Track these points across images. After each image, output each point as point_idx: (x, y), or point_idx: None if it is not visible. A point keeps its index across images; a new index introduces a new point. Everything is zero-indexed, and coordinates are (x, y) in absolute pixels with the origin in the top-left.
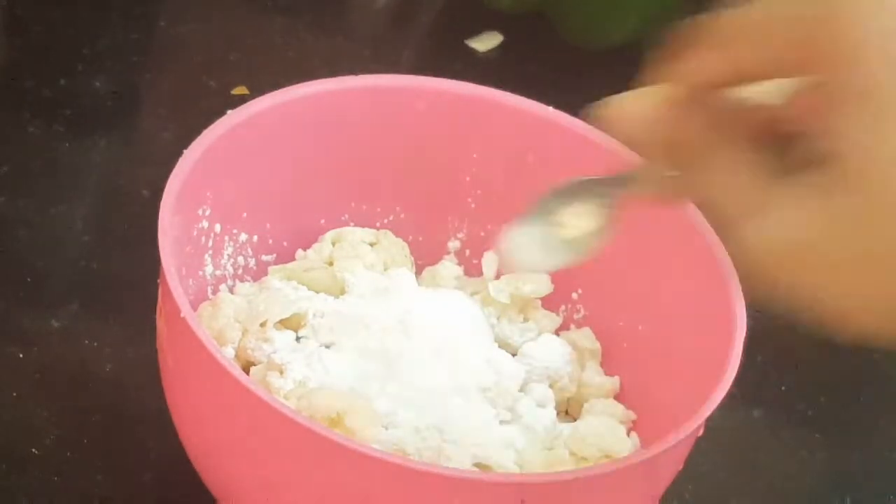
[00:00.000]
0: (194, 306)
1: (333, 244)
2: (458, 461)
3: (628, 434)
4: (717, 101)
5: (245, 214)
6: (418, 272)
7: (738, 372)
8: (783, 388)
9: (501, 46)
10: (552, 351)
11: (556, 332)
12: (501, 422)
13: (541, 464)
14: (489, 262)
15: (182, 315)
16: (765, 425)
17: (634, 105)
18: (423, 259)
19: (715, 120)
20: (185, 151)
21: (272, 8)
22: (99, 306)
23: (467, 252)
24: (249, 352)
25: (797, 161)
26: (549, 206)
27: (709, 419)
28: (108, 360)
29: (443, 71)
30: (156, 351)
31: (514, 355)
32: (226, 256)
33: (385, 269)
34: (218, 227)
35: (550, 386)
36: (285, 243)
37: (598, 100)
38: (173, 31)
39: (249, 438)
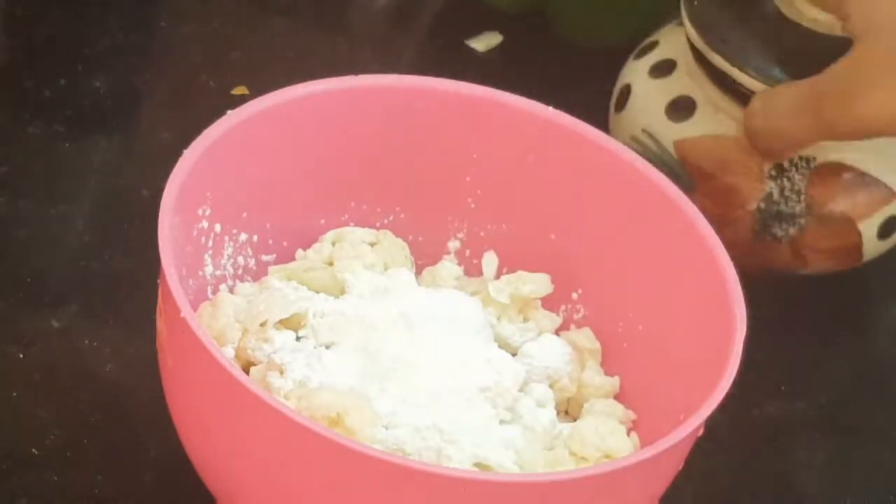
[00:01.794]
0: (194, 306)
1: (333, 244)
2: (458, 461)
3: (628, 434)
4: None
5: (245, 214)
6: (418, 272)
7: (737, 372)
8: (783, 387)
9: (501, 46)
10: (552, 351)
11: (556, 332)
12: (501, 422)
13: (541, 464)
14: (489, 262)
15: (182, 315)
16: (765, 425)
17: None
18: (423, 259)
19: None
20: (185, 151)
21: (272, 8)
22: (99, 306)
23: (467, 252)
24: (249, 352)
25: None
26: None
27: (709, 419)
28: (108, 360)
29: (443, 71)
30: (156, 351)
31: (514, 355)
32: (226, 256)
33: (385, 269)
34: (218, 227)
35: (550, 386)
36: (285, 243)
37: (597, 100)
38: (173, 31)
39: (249, 438)
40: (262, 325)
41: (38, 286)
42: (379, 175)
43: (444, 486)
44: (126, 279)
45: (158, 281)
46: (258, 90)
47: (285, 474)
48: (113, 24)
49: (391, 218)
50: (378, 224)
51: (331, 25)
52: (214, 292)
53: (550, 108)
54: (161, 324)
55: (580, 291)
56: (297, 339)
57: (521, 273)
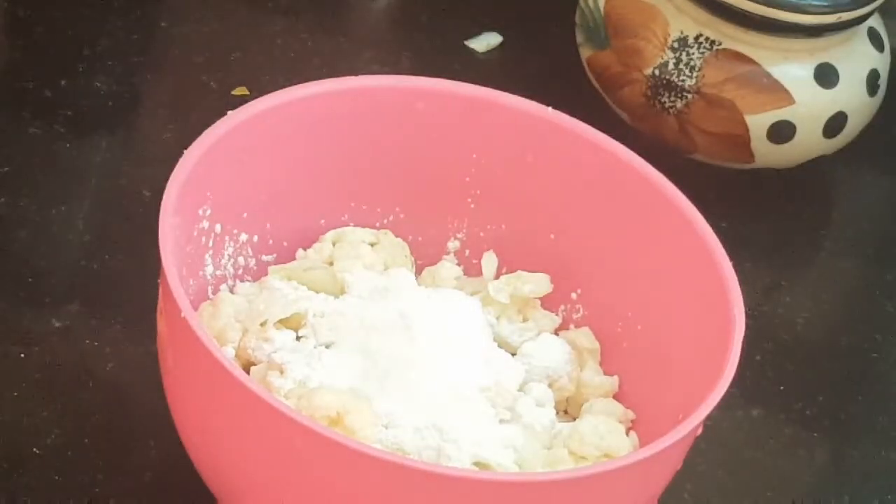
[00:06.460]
0: (195, 306)
1: (333, 244)
2: (458, 461)
3: (627, 433)
4: None
5: (245, 214)
6: (418, 272)
7: (736, 372)
8: (782, 387)
9: (501, 47)
10: (551, 350)
11: (556, 332)
12: (501, 421)
13: (540, 463)
14: (489, 262)
15: (182, 315)
16: (764, 425)
17: None
18: (423, 259)
19: None
20: (185, 152)
21: (272, 8)
22: (99, 306)
23: (467, 252)
24: (250, 351)
25: None
26: None
27: (708, 419)
28: (109, 359)
29: (442, 71)
30: (156, 350)
31: (513, 355)
32: (226, 256)
33: (385, 269)
34: (218, 227)
35: (550, 385)
36: (285, 243)
37: (597, 99)
38: (174, 31)
39: (249, 438)
40: (262, 324)
41: (39, 286)
42: (379, 175)
43: (444, 486)
44: (126, 279)
45: (159, 281)
46: (258, 90)
47: (285, 474)
48: (113, 24)
49: (391, 218)
50: (378, 224)
51: (331, 25)
52: (215, 292)
53: (550, 109)
54: (161, 323)
55: (579, 291)
56: (297, 338)
57: (520, 273)
